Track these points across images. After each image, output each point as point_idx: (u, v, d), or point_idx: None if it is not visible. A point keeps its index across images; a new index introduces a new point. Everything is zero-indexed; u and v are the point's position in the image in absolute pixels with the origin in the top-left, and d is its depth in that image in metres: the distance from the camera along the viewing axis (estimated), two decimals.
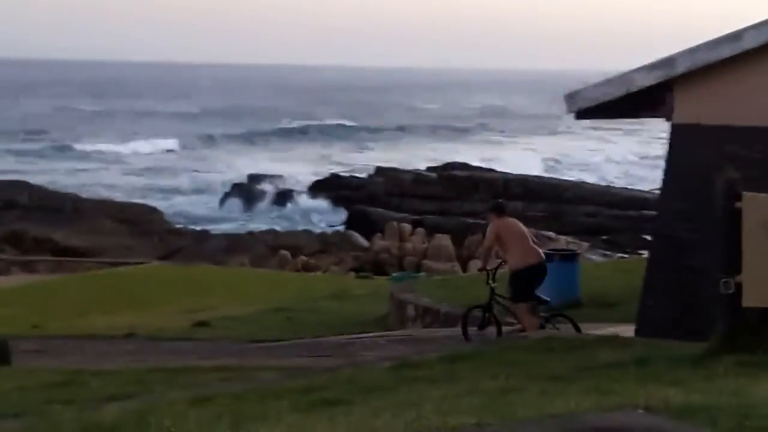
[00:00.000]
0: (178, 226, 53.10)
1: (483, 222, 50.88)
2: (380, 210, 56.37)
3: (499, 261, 14.56)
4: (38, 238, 44.63)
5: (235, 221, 60.86)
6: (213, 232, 51.12)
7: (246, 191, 66.84)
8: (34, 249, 42.77)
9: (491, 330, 14.27)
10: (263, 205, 65.08)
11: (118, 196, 62.71)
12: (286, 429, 6.30)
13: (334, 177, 68.84)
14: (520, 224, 14.53)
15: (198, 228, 53.31)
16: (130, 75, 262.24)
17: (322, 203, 64.22)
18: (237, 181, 69.58)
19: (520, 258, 13.95)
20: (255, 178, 69.92)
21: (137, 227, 49.54)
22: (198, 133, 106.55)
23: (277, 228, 52.51)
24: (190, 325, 21.74)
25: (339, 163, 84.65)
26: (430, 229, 48.68)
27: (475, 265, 40.24)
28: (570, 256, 20.32)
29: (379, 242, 46.57)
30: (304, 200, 65.45)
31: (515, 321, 14.46)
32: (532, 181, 61.76)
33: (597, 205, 57.37)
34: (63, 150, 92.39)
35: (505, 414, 6.17)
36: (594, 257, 40.84)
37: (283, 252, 43.79)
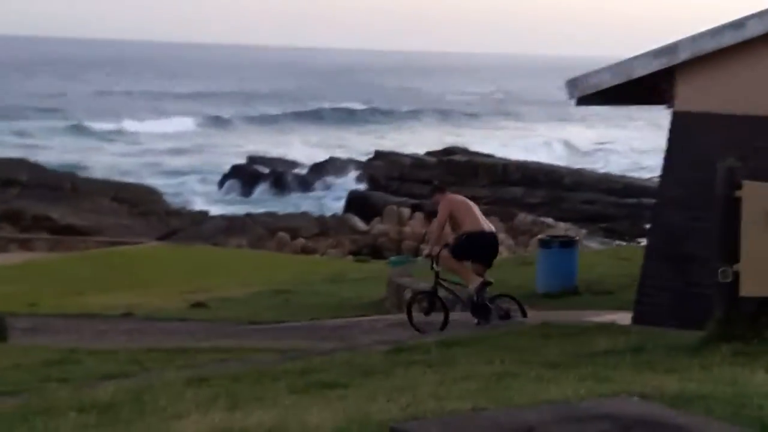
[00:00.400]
0: (177, 206, 53.13)
1: (481, 207, 50.98)
2: (379, 194, 56.33)
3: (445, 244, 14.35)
4: (37, 216, 44.61)
5: (234, 202, 60.86)
6: (212, 213, 51.13)
7: (246, 173, 66.80)
8: (33, 227, 42.75)
9: (438, 316, 14.03)
10: (262, 187, 65.05)
11: (124, 176, 62.93)
12: (282, 411, 6.30)
13: (332, 160, 68.81)
14: (468, 199, 14.49)
15: (197, 209, 53.34)
16: (141, 54, 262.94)
17: (321, 185, 64.32)
18: (237, 162, 69.58)
19: (476, 224, 13.75)
20: (255, 160, 69.88)
21: (136, 207, 49.54)
22: (210, 114, 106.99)
23: (276, 210, 52.50)
24: (187, 305, 21.75)
25: (344, 146, 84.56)
26: (429, 215, 48.64)
27: None
28: (568, 243, 20.32)
29: (378, 226, 46.56)
30: (303, 183, 65.42)
31: (463, 304, 14.28)
32: (532, 167, 61.68)
33: (596, 192, 57.34)
34: (75, 129, 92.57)
35: (500, 399, 6.17)
36: (592, 244, 40.81)
37: (282, 234, 43.78)
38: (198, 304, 21.66)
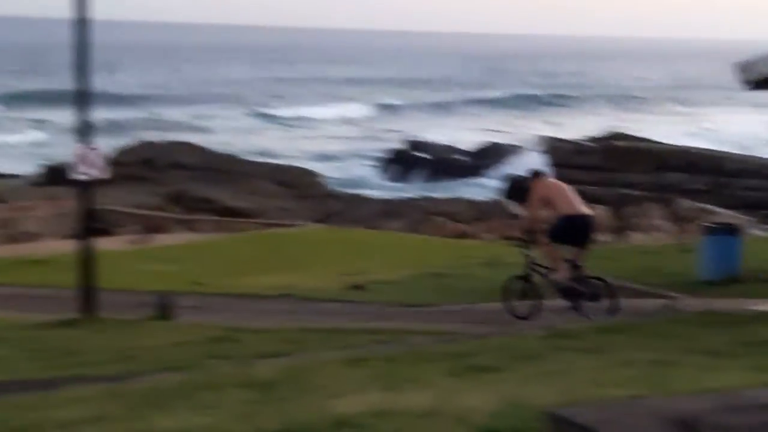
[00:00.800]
0: (336, 189, 53.80)
1: (641, 194, 50.15)
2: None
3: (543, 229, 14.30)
4: (201, 197, 45.79)
5: (393, 187, 61.32)
6: (371, 196, 51.59)
7: (407, 158, 67.19)
8: (197, 208, 43.87)
9: (530, 302, 14.26)
10: (422, 171, 65.30)
11: (289, 159, 64.58)
12: (437, 393, 6.33)
13: (495, 145, 68.64)
14: (563, 183, 14.67)
15: (356, 192, 53.93)
16: (318, 41, 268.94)
17: (481, 171, 64.22)
18: (400, 147, 70.12)
19: (572, 207, 13.96)
20: (416, 145, 70.22)
21: (295, 190, 50.34)
22: (382, 99, 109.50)
23: (434, 194, 52.65)
24: (344, 287, 21.96)
25: (510, 132, 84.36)
26: (588, 200, 48.05)
27: (633, 237, 39.56)
28: (732, 230, 19.81)
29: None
30: (463, 168, 65.37)
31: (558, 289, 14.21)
32: (694, 153, 60.26)
33: (762, 178, 55.69)
34: (252, 114, 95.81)
35: (659, 387, 6.07)
36: (757, 232, 39.67)
37: (439, 218, 43.88)
38: (355, 286, 21.85)
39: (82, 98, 15.68)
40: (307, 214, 44.47)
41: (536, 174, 14.83)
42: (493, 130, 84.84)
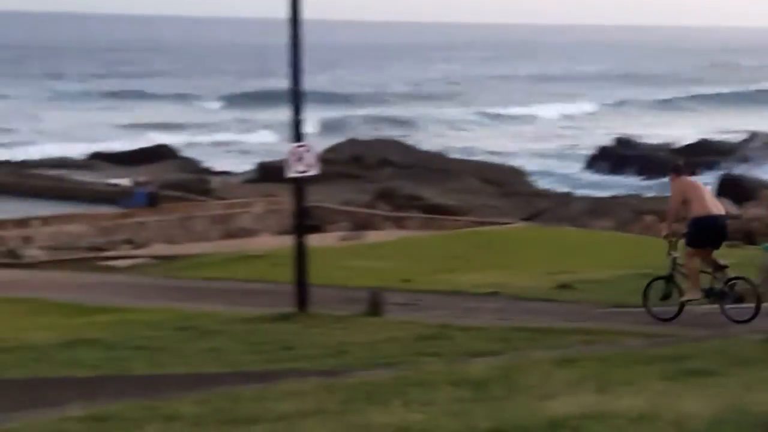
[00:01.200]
0: (543, 187, 53.45)
1: None
2: (753, 176, 54.08)
3: (682, 232, 14.10)
4: (409, 195, 46.27)
5: (600, 184, 60.45)
6: (577, 195, 51.00)
7: (614, 155, 66.15)
8: (405, 206, 44.35)
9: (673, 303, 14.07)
10: (630, 169, 64.18)
11: (501, 157, 64.82)
12: (653, 396, 6.22)
13: (702, 142, 66.77)
14: (698, 182, 14.56)
15: (564, 190, 53.42)
16: (532, 38, 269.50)
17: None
18: (610, 145, 69.13)
19: (703, 208, 13.70)
20: (623, 142, 69.06)
21: (503, 187, 50.26)
22: (603, 98, 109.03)
23: (643, 193, 51.61)
24: (553, 286, 21.76)
25: (728, 130, 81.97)
26: None
27: None
28: None
29: (751, 210, 44.71)
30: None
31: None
32: None
33: None
34: (480, 114, 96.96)
35: None
36: None
37: (648, 217, 42.98)
38: (564, 286, 21.62)
39: (295, 98, 16.11)
40: (514, 212, 44.34)
41: (676, 170, 14.45)
42: (712, 128, 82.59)
